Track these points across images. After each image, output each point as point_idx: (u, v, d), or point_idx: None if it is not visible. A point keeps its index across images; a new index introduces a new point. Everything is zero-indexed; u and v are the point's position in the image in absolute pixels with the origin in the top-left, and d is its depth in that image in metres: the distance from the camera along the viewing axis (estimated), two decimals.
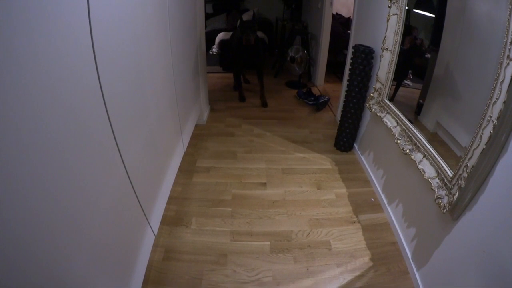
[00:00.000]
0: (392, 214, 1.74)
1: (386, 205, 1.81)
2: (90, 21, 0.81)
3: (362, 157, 2.23)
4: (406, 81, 1.79)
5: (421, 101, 1.61)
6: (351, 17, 4.16)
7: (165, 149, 1.69)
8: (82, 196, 0.82)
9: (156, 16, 1.42)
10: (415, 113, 1.66)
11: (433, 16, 1.56)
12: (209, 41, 4.41)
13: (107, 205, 0.96)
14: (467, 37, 1.25)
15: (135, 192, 1.19)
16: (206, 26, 4.76)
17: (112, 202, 1.00)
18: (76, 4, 0.76)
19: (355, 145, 2.39)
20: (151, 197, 1.45)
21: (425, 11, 1.62)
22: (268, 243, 1.59)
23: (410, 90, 1.76)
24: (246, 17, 4.21)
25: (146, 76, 1.32)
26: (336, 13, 4.51)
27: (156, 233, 1.48)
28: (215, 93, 3.47)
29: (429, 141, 1.43)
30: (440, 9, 1.46)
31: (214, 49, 4.40)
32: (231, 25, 4.50)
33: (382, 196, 1.88)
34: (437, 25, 1.46)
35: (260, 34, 4.17)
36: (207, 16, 4.87)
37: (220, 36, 4.15)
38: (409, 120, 1.61)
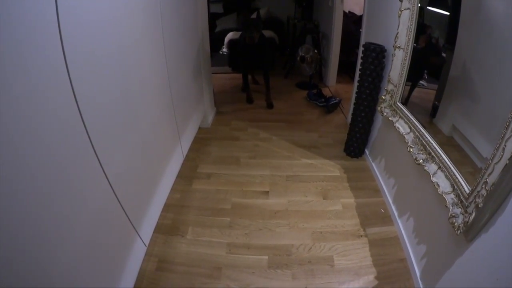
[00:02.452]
0: (403, 227, 1.59)
1: (397, 217, 1.67)
2: (60, 33, 0.76)
3: (373, 164, 2.09)
4: (421, 81, 1.65)
5: (436, 102, 1.49)
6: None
7: (159, 156, 1.62)
8: (57, 209, 0.80)
9: (145, 20, 1.35)
10: (430, 115, 1.53)
11: (448, 13, 1.43)
12: (220, 41, 4.35)
13: (87, 218, 0.94)
14: (484, 34, 1.12)
15: (120, 204, 1.15)
16: (216, 26, 4.70)
17: (94, 214, 0.98)
18: (46, 25, 0.72)
19: (366, 151, 2.24)
20: (142, 207, 1.40)
21: (439, 8, 1.49)
22: (266, 257, 1.49)
23: (425, 90, 1.62)
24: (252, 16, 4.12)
25: (134, 84, 1.26)
26: (349, 12, 4.32)
27: (147, 243, 1.43)
28: (223, 94, 3.39)
29: (443, 145, 1.30)
30: (454, 6, 1.35)
31: (224, 48, 4.33)
32: (241, 24, 4.42)
33: (393, 207, 1.73)
34: (452, 23, 1.35)
35: (270, 33, 4.07)
36: (218, 16, 4.81)
37: (229, 36, 4.07)
38: (423, 126, 1.47)
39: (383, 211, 1.78)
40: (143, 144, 1.37)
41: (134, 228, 1.28)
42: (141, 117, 1.34)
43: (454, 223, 1.06)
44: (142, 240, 1.37)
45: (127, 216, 1.21)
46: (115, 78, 1.10)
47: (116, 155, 1.12)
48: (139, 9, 1.28)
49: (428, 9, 1.51)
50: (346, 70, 3.86)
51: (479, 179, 0.98)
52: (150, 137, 1.45)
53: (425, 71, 1.60)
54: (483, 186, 0.94)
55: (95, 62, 0.95)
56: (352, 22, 3.88)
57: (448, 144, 1.30)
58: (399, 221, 1.64)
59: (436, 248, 1.28)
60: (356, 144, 2.19)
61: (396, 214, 1.69)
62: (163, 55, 1.57)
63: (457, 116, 1.32)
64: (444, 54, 1.43)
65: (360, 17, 4.26)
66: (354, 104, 2.11)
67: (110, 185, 1.07)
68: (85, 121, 0.89)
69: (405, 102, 1.68)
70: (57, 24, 0.75)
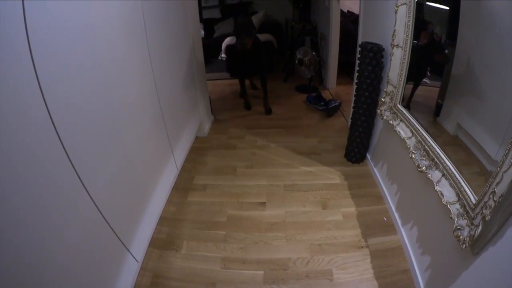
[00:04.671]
0: (406, 237, 1.50)
1: (400, 226, 1.57)
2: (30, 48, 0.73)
3: (375, 169, 1.99)
4: (424, 79, 1.56)
5: (440, 101, 1.41)
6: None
7: (150, 169, 1.56)
8: (39, 230, 0.79)
9: (127, 32, 1.30)
10: (434, 114, 1.45)
11: (447, 8, 1.36)
12: (219, 46, 4.30)
13: (72, 238, 0.93)
14: (485, 28, 1.06)
15: (107, 222, 1.12)
16: (214, 32, 4.66)
17: (79, 234, 0.96)
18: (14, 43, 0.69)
19: (368, 156, 2.14)
20: (132, 223, 1.36)
21: (438, 3, 1.41)
22: (262, 272, 1.42)
23: (428, 88, 1.54)
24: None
25: (117, 98, 1.21)
26: (348, 11, 4.24)
27: (140, 259, 1.40)
28: (221, 101, 3.33)
29: (449, 145, 1.23)
30: (454, 0, 1.28)
31: (223, 54, 4.28)
32: (233, 30, 4.38)
33: (396, 215, 1.64)
34: (453, 18, 1.28)
35: (268, 36, 4.00)
36: (215, 21, 4.77)
37: (227, 41, 4.02)
38: (426, 130, 1.38)
39: (385, 219, 1.69)
40: (130, 159, 1.32)
41: (123, 244, 1.25)
42: (125, 132, 1.28)
43: (460, 236, 0.98)
44: (134, 257, 1.34)
45: (115, 234, 1.18)
46: (94, 93, 1.05)
47: (99, 172, 1.08)
48: (119, 17, 1.22)
49: (427, 4, 1.43)
50: (346, 71, 3.76)
51: (486, 188, 0.89)
52: (137, 151, 1.40)
53: (428, 69, 1.52)
54: (491, 197, 0.85)
55: (68, 77, 0.90)
56: (351, 21, 3.79)
57: (453, 143, 1.24)
58: (402, 230, 1.55)
59: (441, 259, 1.20)
60: (356, 149, 2.09)
61: (399, 222, 1.59)
62: (149, 66, 1.51)
63: (462, 114, 1.25)
64: (446, 51, 1.35)
65: (358, 16, 4.18)
66: (353, 107, 2.02)
67: (95, 203, 1.03)
68: (62, 140, 0.86)
69: (408, 102, 1.59)
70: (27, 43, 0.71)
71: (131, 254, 1.31)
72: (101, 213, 1.06)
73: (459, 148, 1.20)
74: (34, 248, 0.77)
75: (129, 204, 1.34)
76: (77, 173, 0.93)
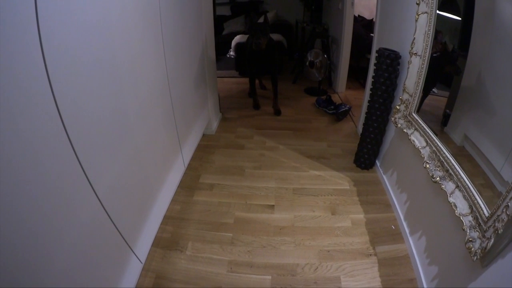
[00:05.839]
0: (414, 246, 1.49)
1: (408, 235, 1.56)
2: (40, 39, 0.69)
3: (384, 177, 1.97)
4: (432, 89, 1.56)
5: (447, 111, 1.41)
6: (374, 19, 3.87)
7: (158, 168, 1.54)
8: (43, 228, 0.76)
9: (143, 24, 1.27)
10: (441, 123, 1.45)
11: (459, 18, 1.37)
12: (227, 44, 4.27)
13: (76, 237, 0.90)
14: (498, 40, 1.05)
15: (112, 221, 1.09)
16: (224, 29, 4.63)
17: (83, 233, 0.93)
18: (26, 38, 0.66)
19: (377, 162, 2.12)
20: (138, 223, 1.33)
21: (449, 13, 1.39)
22: (269, 277, 1.39)
23: (436, 98, 1.54)
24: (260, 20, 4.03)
25: (128, 94, 1.17)
26: (358, 15, 4.21)
27: (143, 260, 1.37)
28: (229, 99, 3.31)
29: (456, 156, 1.23)
30: (467, 11, 1.28)
31: (231, 52, 4.25)
32: (247, 29, 4.34)
33: (404, 224, 1.62)
34: (465, 28, 1.28)
35: (278, 37, 3.98)
36: (225, 19, 4.75)
37: (237, 39, 3.99)
38: (440, 139, 1.36)
39: (393, 227, 1.67)
40: (138, 156, 1.29)
41: (128, 245, 1.22)
42: (136, 129, 1.25)
43: (471, 248, 0.98)
44: (138, 257, 1.31)
45: (120, 234, 1.15)
46: (104, 87, 1.01)
47: (107, 170, 1.05)
48: (136, 12, 1.20)
49: (438, 13, 1.41)
50: (356, 75, 3.74)
51: (500, 202, 0.89)
52: (146, 148, 1.37)
53: (439, 79, 1.51)
54: (504, 211, 0.86)
55: (78, 69, 0.86)
56: (362, 26, 3.76)
57: (460, 154, 1.24)
58: (410, 239, 1.53)
59: (448, 270, 1.20)
60: (366, 155, 2.07)
61: (407, 231, 1.58)
62: (163, 62, 1.49)
63: (470, 125, 1.26)
64: (457, 62, 1.35)
65: (370, 21, 4.16)
66: (366, 113, 1.99)
67: (100, 202, 1.00)
68: (70, 137, 0.83)
69: (417, 110, 1.58)
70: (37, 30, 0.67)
71: (135, 255, 1.28)
72: (107, 212, 1.04)
73: (465, 159, 1.20)
74: (37, 248, 0.75)
75: (135, 203, 1.31)
76: (84, 172, 0.90)
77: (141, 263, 1.34)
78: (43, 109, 0.73)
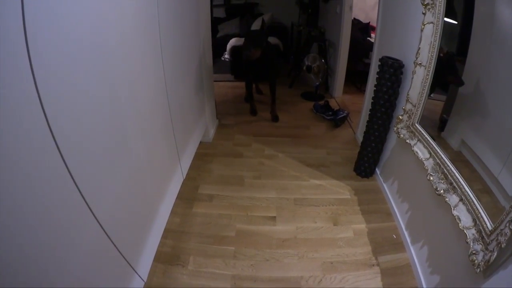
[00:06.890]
0: (415, 255, 1.49)
1: (409, 244, 1.56)
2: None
3: (385, 185, 1.95)
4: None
5: (445, 116, 1.43)
6: (371, 23, 3.84)
7: (157, 182, 1.49)
8: (45, 255, 0.73)
9: (140, 29, 1.20)
10: (438, 129, 1.46)
11: (455, 22, 1.37)
12: (222, 46, 4.21)
13: (78, 262, 0.87)
14: (497, 45, 1.06)
15: (114, 244, 1.04)
16: (218, 31, 4.57)
17: (85, 258, 0.90)
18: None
19: (377, 170, 2.10)
20: (139, 241, 1.28)
21: (447, 17, 1.37)
22: None
23: (433, 102, 1.52)
24: (255, 24, 3.97)
25: (125, 107, 1.11)
26: (354, 18, 4.21)
27: (146, 278, 1.31)
28: (225, 104, 3.25)
29: (453, 161, 1.24)
30: (466, 16, 1.29)
31: (226, 55, 4.19)
32: (244, 30, 4.28)
33: (406, 233, 1.62)
34: (463, 33, 1.29)
35: (274, 40, 3.93)
36: (220, 21, 4.68)
37: (232, 42, 3.93)
38: (432, 138, 1.38)
39: (395, 236, 1.67)
40: (138, 173, 1.24)
41: (130, 265, 1.17)
42: (133, 141, 1.19)
43: (475, 261, 0.99)
44: (140, 277, 1.26)
45: (123, 256, 1.10)
46: (102, 105, 0.94)
47: (106, 191, 1.00)
48: (133, 16, 1.14)
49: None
50: (352, 80, 3.73)
51: (504, 216, 0.91)
52: (144, 161, 1.31)
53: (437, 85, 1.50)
54: (507, 225, 0.87)
55: (71, 82, 0.78)
56: (358, 29, 3.75)
57: (457, 159, 1.25)
58: (412, 248, 1.54)
59: (450, 279, 1.21)
60: (367, 163, 2.06)
61: (409, 240, 1.58)
62: (161, 68, 1.42)
63: (467, 131, 1.27)
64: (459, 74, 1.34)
65: (366, 25, 4.15)
66: (368, 122, 1.98)
67: (101, 226, 0.95)
68: (64, 156, 0.76)
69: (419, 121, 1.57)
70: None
71: (138, 275, 1.24)
72: (108, 236, 0.99)
73: (462, 164, 1.20)
74: (40, 279, 0.71)
75: (136, 221, 1.26)
76: (83, 197, 0.84)
77: (143, 281, 1.29)
78: (30, 122, 0.66)
